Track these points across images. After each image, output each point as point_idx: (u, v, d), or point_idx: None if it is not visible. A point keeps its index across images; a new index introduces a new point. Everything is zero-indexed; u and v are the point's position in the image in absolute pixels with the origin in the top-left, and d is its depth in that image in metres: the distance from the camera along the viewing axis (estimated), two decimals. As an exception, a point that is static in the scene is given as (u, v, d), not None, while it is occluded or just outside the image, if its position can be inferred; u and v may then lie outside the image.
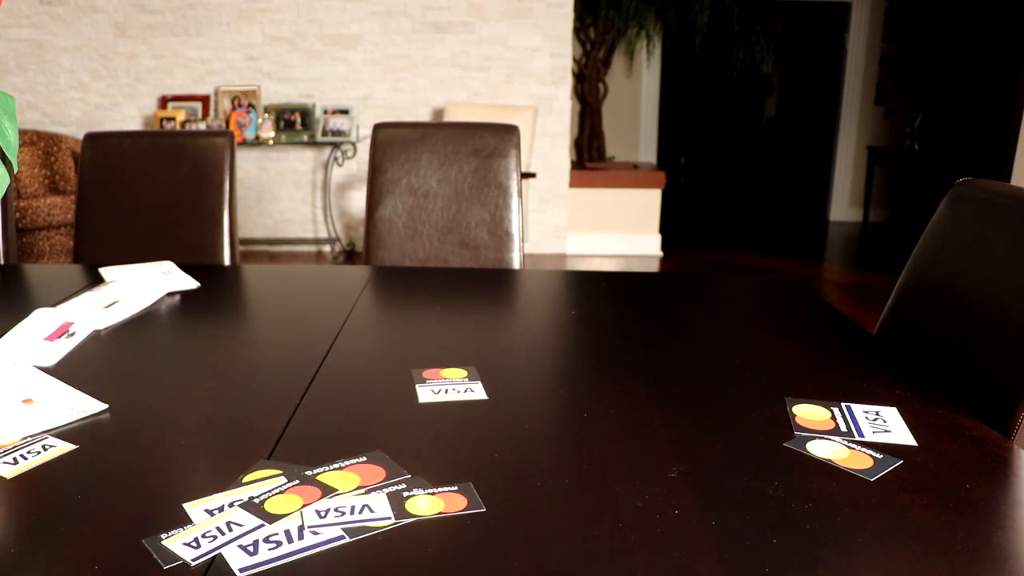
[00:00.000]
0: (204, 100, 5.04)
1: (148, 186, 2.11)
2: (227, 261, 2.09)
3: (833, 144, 6.95)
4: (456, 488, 0.90)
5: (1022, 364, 1.18)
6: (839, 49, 6.79)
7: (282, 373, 1.27)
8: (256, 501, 0.87)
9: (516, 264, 2.12)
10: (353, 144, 5.02)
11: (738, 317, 1.61)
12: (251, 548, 0.78)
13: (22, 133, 4.63)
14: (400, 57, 5.08)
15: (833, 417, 1.10)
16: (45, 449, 0.99)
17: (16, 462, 0.96)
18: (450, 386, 1.19)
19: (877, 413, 1.11)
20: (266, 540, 0.80)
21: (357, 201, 5.28)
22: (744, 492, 0.90)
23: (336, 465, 0.94)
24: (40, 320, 1.43)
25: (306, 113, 5.02)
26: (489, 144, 2.14)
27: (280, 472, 0.93)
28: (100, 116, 5.10)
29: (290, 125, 5.01)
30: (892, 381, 1.25)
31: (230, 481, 0.91)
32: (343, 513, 0.84)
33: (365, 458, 0.96)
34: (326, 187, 5.12)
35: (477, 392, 1.17)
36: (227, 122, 4.91)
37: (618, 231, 5.46)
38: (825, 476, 0.94)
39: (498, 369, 1.27)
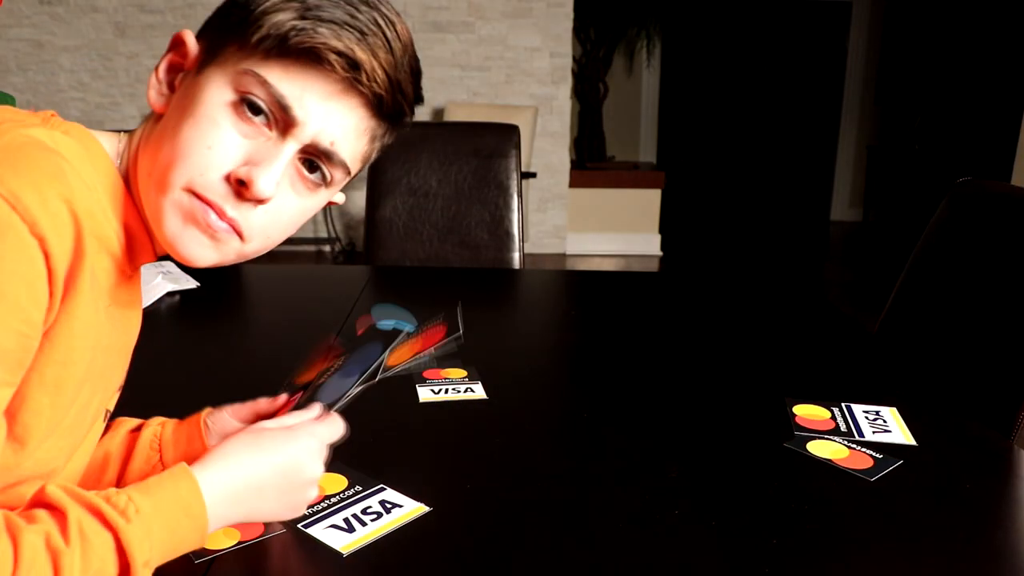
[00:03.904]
0: (204, 100, 5.04)
1: (148, 186, 2.11)
2: (227, 261, 2.08)
3: (833, 144, 6.95)
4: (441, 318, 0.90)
5: (1022, 364, 1.18)
6: (839, 49, 6.78)
7: (282, 373, 1.26)
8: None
9: (516, 264, 2.12)
10: (353, 144, 5.02)
11: (738, 317, 1.61)
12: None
13: (22, 133, 4.62)
14: (400, 57, 5.08)
15: (833, 417, 1.09)
16: (45, 449, 0.99)
17: (16, 462, 0.96)
18: (450, 386, 1.19)
19: (877, 413, 1.11)
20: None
21: (357, 201, 5.27)
22: (744, 492, 0.90)
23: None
24: (40, 320, 1.42)
25: (306, 113, 5.02)
26: (489, 144, 2.14)
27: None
28: (100, 116, 5.09)
29: (290, 125, 5.01)
30: (892, 381, 1.25)
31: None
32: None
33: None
34: (326, 187, 5.12)
35: (477, 392, 1.17)
36: (227, 122, 4.91)
37: (618, 231, 5.46)
38: (825, 476, 0.94)
39: (498, 369, 1.27)
